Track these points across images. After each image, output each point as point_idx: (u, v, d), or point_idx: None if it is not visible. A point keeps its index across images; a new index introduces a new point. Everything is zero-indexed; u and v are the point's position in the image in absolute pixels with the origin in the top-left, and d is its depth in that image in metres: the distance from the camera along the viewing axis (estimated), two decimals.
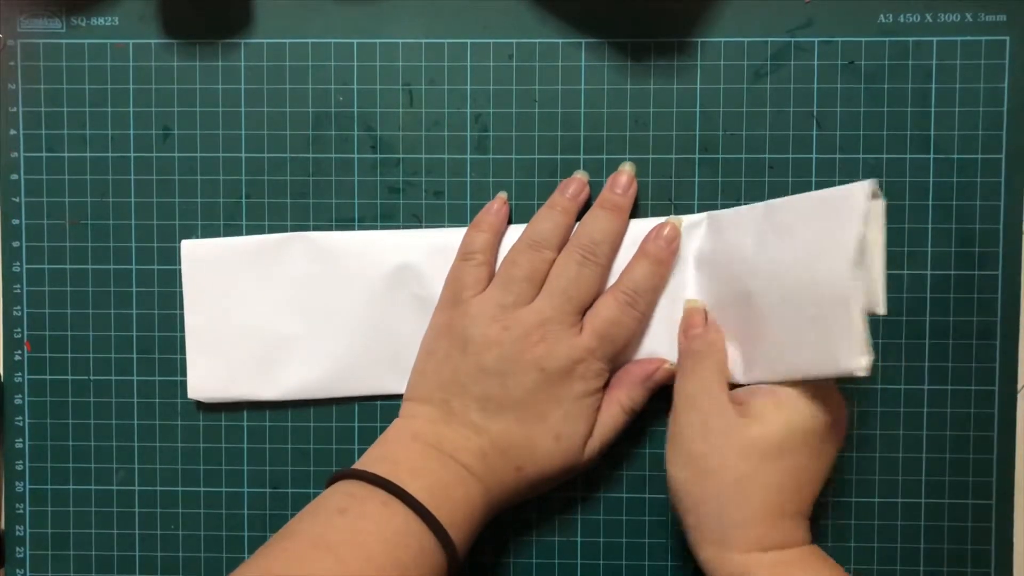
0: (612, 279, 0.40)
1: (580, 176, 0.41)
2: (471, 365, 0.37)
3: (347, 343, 0.42)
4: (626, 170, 0.41)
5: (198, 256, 0.42)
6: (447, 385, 0.38)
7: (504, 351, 0.37)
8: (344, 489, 0.36)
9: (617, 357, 0.39)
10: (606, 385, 0.40)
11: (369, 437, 0.41)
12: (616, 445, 0.42)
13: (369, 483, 0.35)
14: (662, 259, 0.40)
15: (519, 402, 0.37)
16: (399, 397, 0.41)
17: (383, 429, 0.39)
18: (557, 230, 0.39)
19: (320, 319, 0.42)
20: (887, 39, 0.41)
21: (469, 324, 0.38)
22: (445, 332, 0.39)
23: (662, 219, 0.41)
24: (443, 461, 0.36)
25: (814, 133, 0.42)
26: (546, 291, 0.38)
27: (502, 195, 0.41)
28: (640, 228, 0.41)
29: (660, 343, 0.40)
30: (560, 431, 0.38)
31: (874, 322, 0.41)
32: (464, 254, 0.40)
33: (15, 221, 0.43)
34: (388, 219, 0.42)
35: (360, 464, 0.37)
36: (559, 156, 0.42)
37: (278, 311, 0.42)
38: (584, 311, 0.39)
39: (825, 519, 0.42)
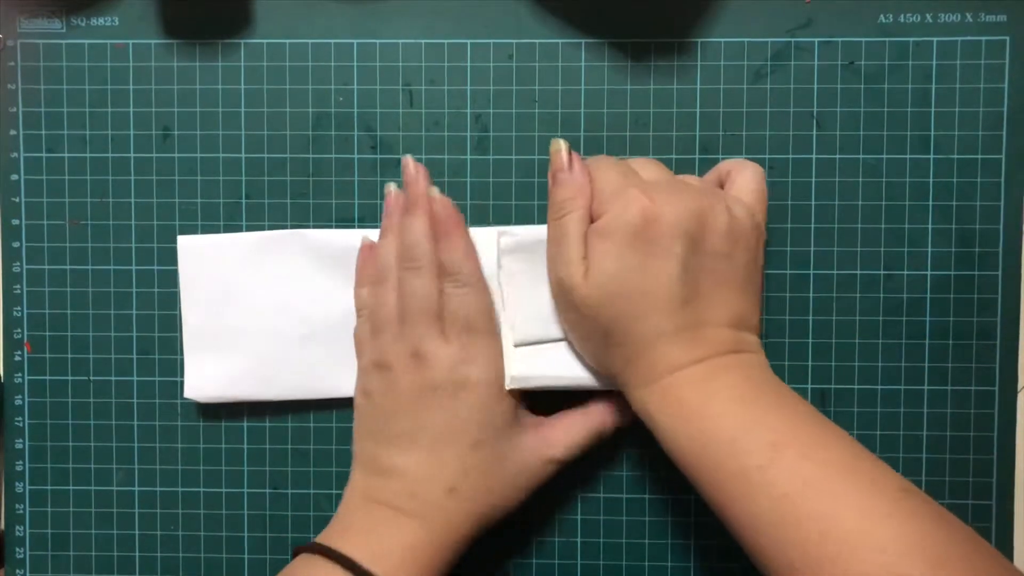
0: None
1: (393, 188, 0.41)
2: (377, 413, 0.38)
3: (346, 342, 0.42)
4: (409, 162, 0.40)
5: (195, 252, 0.42)
6: (366, 437, 0.39)
7: (395, 389, 0.38)
8: (295, 564, 0.37)
9: (492, 331, 0.38)
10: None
11: None
12: (616, 447, 0.42)
13: (310, 553, 0.36)
14: (453, 229, 0.39)
15: (427, 429, 0.37)
16: None
17: None
18: (391, 253, 0.39)
19: (319, 318, 0.42)
20: (887, 39, 0.41)
21: (365, 377, 0.39)
22: (358, 388, 0.40)
23: (488, 229, 0.40)
24: (376, 511, 0.37)
25: (814, 133, 0.42)
26: (403, 319, 0.38)
27: (366, 241, 0.41)
28: (477, 236, 0.40)
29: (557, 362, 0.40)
30: (477, 438, 0.37)
31: (874, 322, 0.41)
32: (357, 313, 0.40)
33: (15, 221, 0.43)
34: None
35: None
36: None
37: (276, 309, 0.42)
38: (442, 314, 0.38)
39: None
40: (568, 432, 0.39)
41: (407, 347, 0.38)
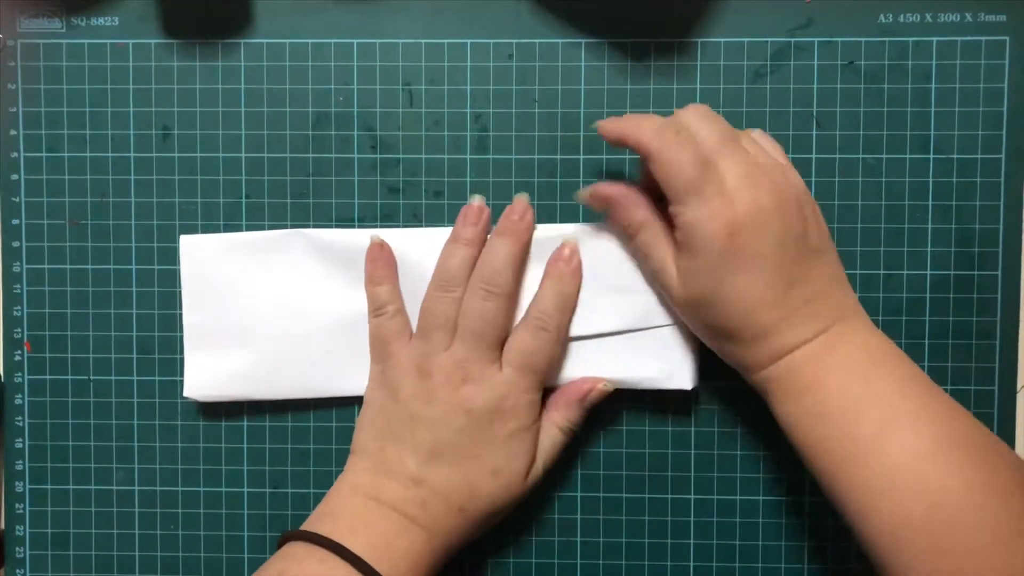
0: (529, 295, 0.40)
1: (477, 202, 0.40)
2: (403, 414, 0.38)
3: (346, 342, 0.42)
4: (522, 199, 0.40)
5: (197, 251, 0.42)
6: (382, 435, 0.39)
7: (430, 398, 0.38)
8: (287, 551, 0.36)
9: (545, 381, 0.39)
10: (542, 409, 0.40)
11: None
12: (616, 447, 0.42)
13: (310, 543, 0.36)
14: (564, 278, 0.39)
15: (452, 446, 0.37)
16: None
17: None
18: (464, 265, 0.39)
19: (320, 317, 0.42)
20: (887, 39, 0.41)
21: (399, 375, 0.39)
22: (379, 384, 0.40)
23: (555, 225, 0.40)
24: (383, 513, 0.37)
25: (814, 133, 0.42)
26: (459, 334, 0.38)
27: (376, 239, 0.41)
28: (543, 234, 0.40)
29: (581, 361, 0.40)
30: (497, 467, 0.38)
31: (874, 322, 0.41)
32: (374, 311, 0.40)
33: (15, 221, 0.43)
34: (388, 219, 0.42)
35: (306, 523, 0.37)
36: (559, 156, 0.42)
37: (278, 308, 0.42)
38: (500, 343, 0.39)
39: (828, 519, 0.42)
40: (555, 446, 0.40)
41: (454, 362, 0.38)
